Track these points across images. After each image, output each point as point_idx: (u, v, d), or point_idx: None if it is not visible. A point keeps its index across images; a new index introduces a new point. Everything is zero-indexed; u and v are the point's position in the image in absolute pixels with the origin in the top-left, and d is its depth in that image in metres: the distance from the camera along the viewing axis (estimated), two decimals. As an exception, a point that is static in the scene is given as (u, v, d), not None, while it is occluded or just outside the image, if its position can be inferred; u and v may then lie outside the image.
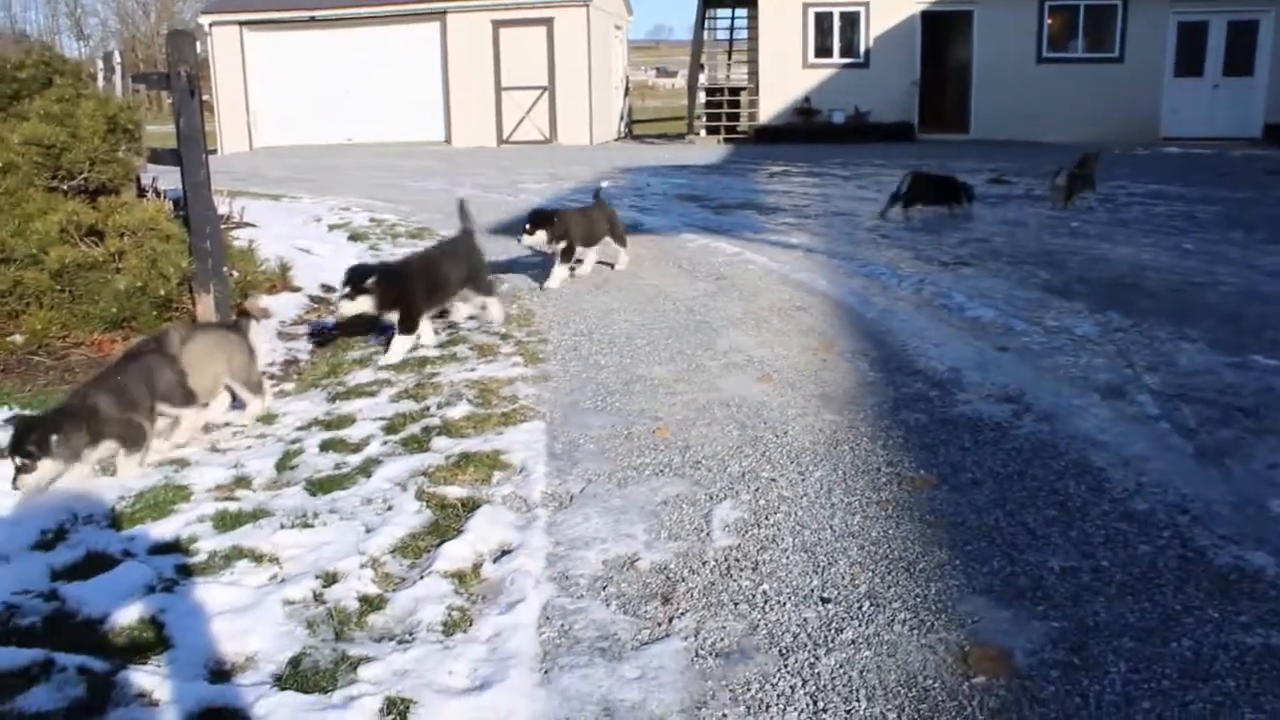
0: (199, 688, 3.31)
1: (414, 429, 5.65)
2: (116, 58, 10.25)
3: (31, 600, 3.87)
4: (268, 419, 5.99)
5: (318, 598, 3.87)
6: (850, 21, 27.14)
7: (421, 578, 4.02)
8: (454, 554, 4.18)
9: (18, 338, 6.95)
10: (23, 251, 7.09)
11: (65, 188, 7.86)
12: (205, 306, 6.88)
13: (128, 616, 3.71)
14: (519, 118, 28.52)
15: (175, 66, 7.33)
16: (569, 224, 9.37)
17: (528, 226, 9.06)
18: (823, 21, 27.17)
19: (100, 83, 9.38)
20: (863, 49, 27.26)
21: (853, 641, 3.52)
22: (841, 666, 3.38)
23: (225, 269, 7.64)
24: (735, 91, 29.24)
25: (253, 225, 11.39)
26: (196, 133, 8.85)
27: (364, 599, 3.87)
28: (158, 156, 8.79)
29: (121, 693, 3.29)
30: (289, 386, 6.72)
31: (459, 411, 5.90)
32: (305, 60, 29.01)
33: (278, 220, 12.56)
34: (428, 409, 5.98)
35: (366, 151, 25.53)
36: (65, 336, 7.06)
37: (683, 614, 3.75)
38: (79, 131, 7.91)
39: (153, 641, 3.58)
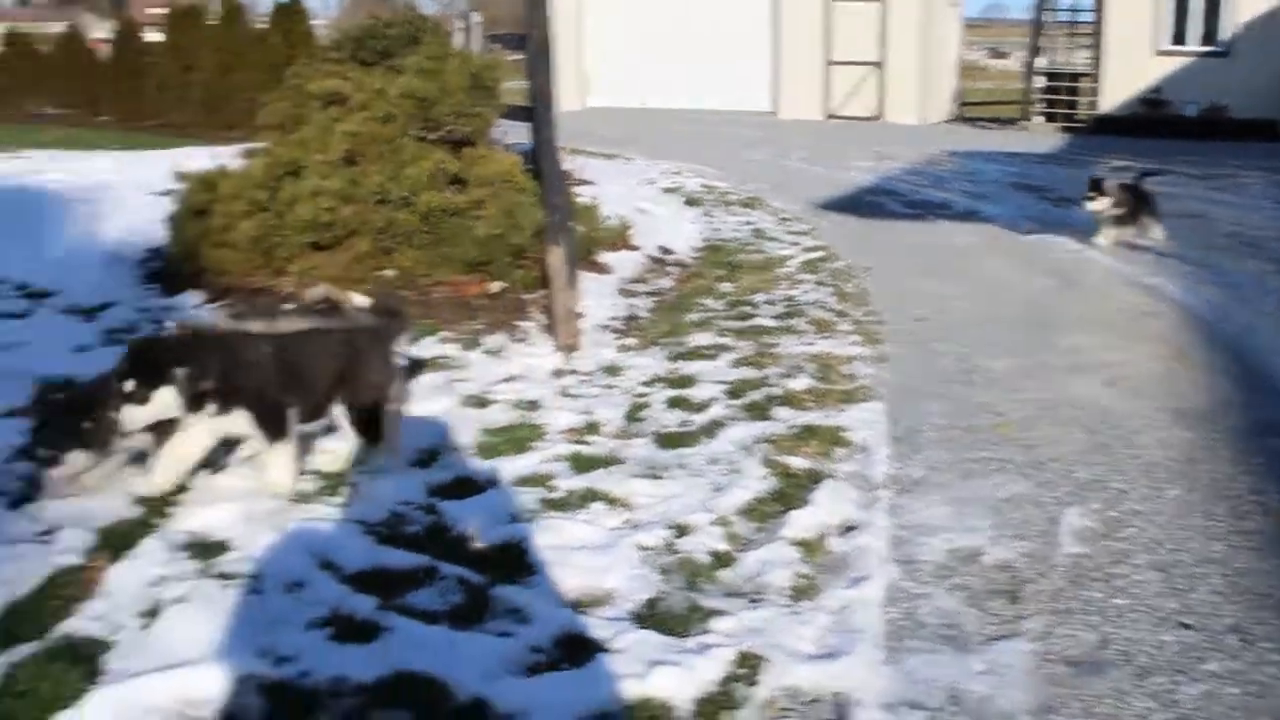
0: (562, 614, 3.62)
1: (755, 396, 5.84)
2: (476, 17, 10.97)
3: (414, 511, 4.34)
4: (612, 370, 6.35)
5: (669, 547, 4.11)
6: (1212, 5, 25.13)
7: (769, 541, 4.20)
8: (800, 523, 4.34)
9: (389, 272, 7.68)
10: (396, 194, 7.80)
11: (432, 138, 8.57)
12: (556, 258, 7.34)
13: (497, 538, 4.09)
14: (847, 93, 28.35)
15: (530, 28, 7.83)
16: (1125, 195, 10.26)
17: (1090, 194, 10.31)
18: (1180, 4, 25.30)
19: (456, 39, 10.07)
20: (1225, 35, 25.20)
21: (1217, 674, 3.40)
22: (1205, 699, 3.27)
23: (571, 223, 8.11)
24: (1075, 78, 27.76)
25: (591, 183, 11.98)
26: (548, 92, 9.45)
27: (714, 554, 4.08)
28: (509, 112, 9.45)
29: (495, 606, 3.64)
30: (631, 342, 7.07)
31: (800, 384, 6.05)
32: (639, 24, 29.91)
33: (613, 180, 13.14)
34: (768, 378, 6.16)
35: (694, 117, 26.09)
36: (428, 275, 7.73)
37: (1030, 615, 3.74)
38: (447, 86, 8.60)
39: (519, 565, 3.93)
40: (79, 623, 3.46)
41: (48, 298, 7.92)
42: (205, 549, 3.96)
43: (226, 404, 4.25)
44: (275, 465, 4.40)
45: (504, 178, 8.13)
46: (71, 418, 4.22)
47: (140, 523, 4.14)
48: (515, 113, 9.42)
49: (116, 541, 4.00)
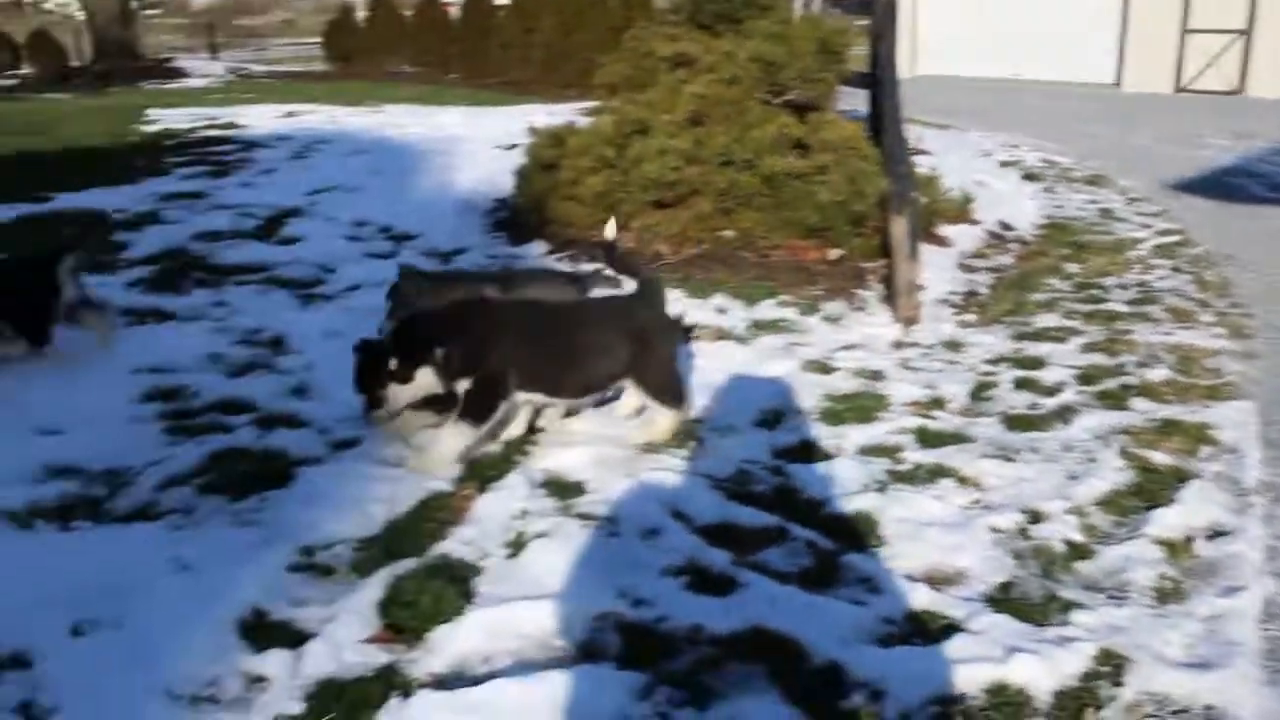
0: (913, 588, 3.54)
1: (1110, 384, 5.52)
2: (817, -20, 10.86)
3: (760, 471, 4.37)
4: (953, 346, 6.17)
5: (1023, 532, 3.95)
6: None
7: (1130, 538, 3.96)
8: (1164, 522, 4.07)
9: (729, 233, 7.76)
10: (740, 157, 7.85)
11: (776, 102, 8.55)
12: (899, 228, 7.18)
13: (846, 506, 4.06)
14: (1203, 64, 26.22)
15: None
16: None
17: None
18: None
19: (796, 4, 9.98)
20: None
21: None
22: None
23: (915, 194, 7.92)
24: None
25: (928, 153, 11.65)
26: (892, 58, 9.23)
27: (1070, 544, 3.89)
28: (851, 79, 9.30)
29: (845, 573, 3.62)
30: (971, 318, 6.84)
31: (1158, 375, 5.66)
32: (976, -11, 28.80)
33: (949, 150, 12.74)
34: (1122, 366, 5.81)
35: (1030, 89, 24.90)
36: (767, 238, 7.75)
37: None
38: (795, 50, 8.54)
39: (869, 534, 3.89)
40: (451, 545, 3.70)
41: (409, 240, 8.50)
42: (563, 488, 4.14)
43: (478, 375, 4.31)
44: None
45: (848, 144, 8.01)
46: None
47: (503, 458, 4.38)
48: (854, 79, 9.30)
49: (481, 474, 4.25)
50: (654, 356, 4.54)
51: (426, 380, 4.28)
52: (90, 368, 5.64)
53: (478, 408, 4.25)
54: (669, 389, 4.60)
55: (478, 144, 13.36)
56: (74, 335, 6.16)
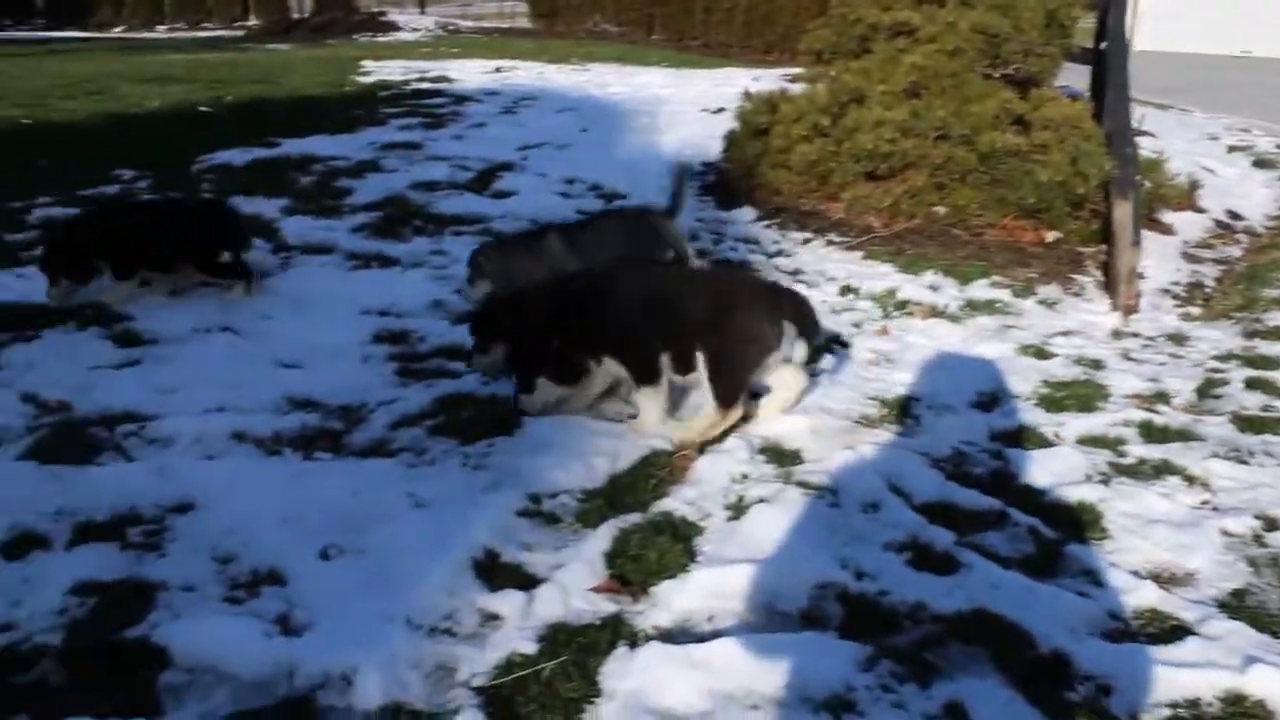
0: (1139, 585, 3.45)
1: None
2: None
3: (978, 453, 4.33)
4: (1176, 339, 5.94)
5: (1258, 539, 3.80)
6: None
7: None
8: None
9: (941, 209, 7.62)
10: (957, 131, 7.69)
11: (996, 76, 8.33)
12: (1122, 213, 6.93)
13: (1067, 495, 3.98)
14: None
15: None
16: None
17: None
18: None
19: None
20: None
21: None
22: None
23: (1139, 177, 7.62)
24: None
25: (1150, 134, 11.16)
26: (1122, 31, 8.85)
27: (1311, 556, 3.73)
28: (1075, 54, 8.97)
29: (1067, 564, 3.56)
30: (1195, 311, 6.58)
31: None
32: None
33: (1172, 132, 12.16)
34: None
35: (1261, 67, 23.50)
36: (980, 215, 7.58)
37: None
38: (1020, 23, 8.29)
39: (1092, 526, 3.80)
40: (674, 503, 3.79)
41: (618, 199, 8.63)
42: (781, 455, 4.18)
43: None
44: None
45: (1071, 122, 7.75)
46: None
47: (720, 421, 4.45)
48: (1076, 54, 8.97)
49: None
50: (727, 344, 4.31)
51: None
52: (322, 307, 5.97)
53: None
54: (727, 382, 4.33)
55: (682, 106, 13.43)
56: (306, 273, 6.54)
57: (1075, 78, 9.56)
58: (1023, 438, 4.48)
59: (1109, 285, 6.72)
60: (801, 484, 3.89)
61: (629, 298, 4.37)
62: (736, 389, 4.29)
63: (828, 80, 8.58)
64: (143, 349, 5.34)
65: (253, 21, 33.90)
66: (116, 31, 33.41)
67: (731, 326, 4.25)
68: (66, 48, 25.53)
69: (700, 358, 4.26)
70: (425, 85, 15.85)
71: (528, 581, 3.33)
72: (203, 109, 13.62)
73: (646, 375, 4.34)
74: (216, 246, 5.93)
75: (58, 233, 6.07)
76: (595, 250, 5.47)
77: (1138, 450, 4.42)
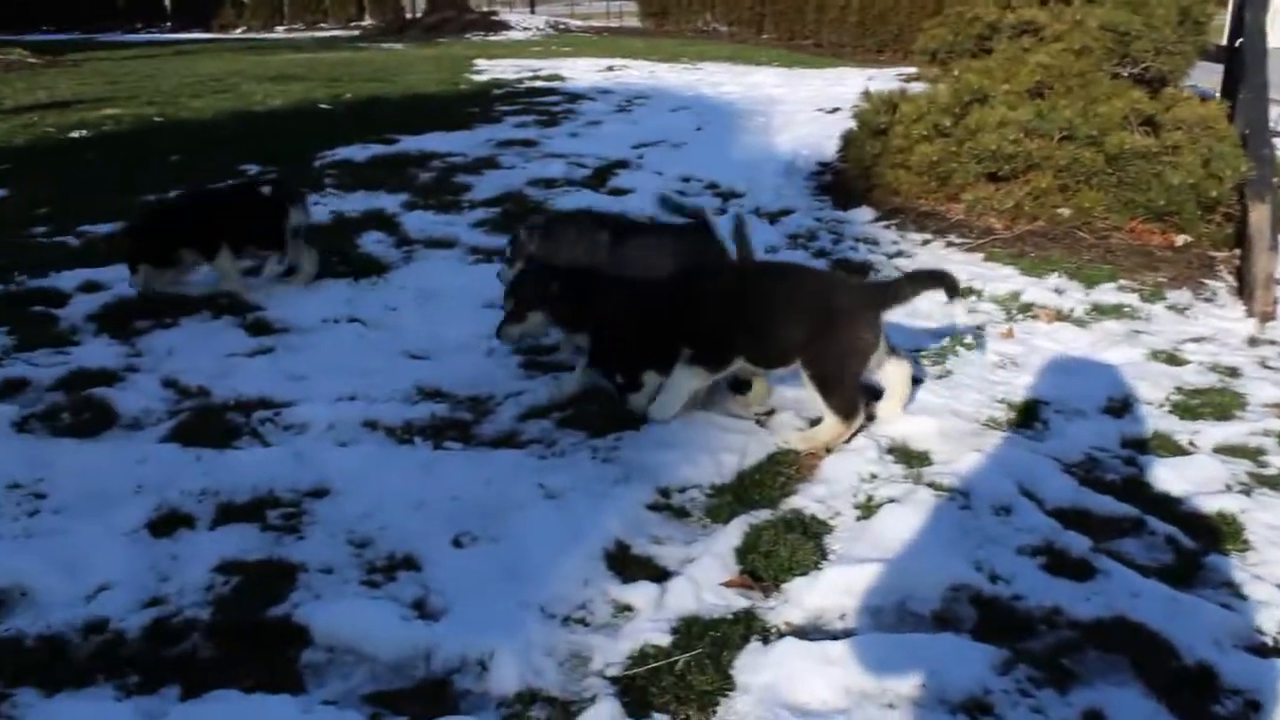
0: (1281, 597, 3.35)
1: None
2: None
3: (1110, 459, 4.24)
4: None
5: None
6: None
7: None
8: None
9: (1064, 211, 7.46)
10: (1083, 132, 7.51)
11: (1126, 75, 8.14)
12: (1259, 216, 6.71)
13: (1206, 505, 3.87)
14: None
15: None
16: None
17: None
18: None
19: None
20: None
21: None
22: None
23: (1276, 179, 7.36)
24: None
25: (1282, 137, 10.77)
26: (1263, 28, 8.56)
27: None
28: (1205, 52, 8.69)
29: (1208, 575, 3.46)
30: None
31: None
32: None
33: (1306, 136, 11.73)
34: None
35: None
36: (1106, 218, 7.41)
37: None
38: (1151, 20, 8.08)
39: (1233, 537, 3.70)
40: (803, 501, 3.79)
41: (735, 198, 8.63)
42: (909, 456, 4.15)
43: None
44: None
45: (1205, 123, 7.52)
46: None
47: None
48: (1211, 52, 8.71)
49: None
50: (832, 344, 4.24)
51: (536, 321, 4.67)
52: (446, 300, 6.09)
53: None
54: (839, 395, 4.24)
55: (795, 105, 13.37)
56: (428, 267, 6.66)
57: (1203, 76, 9.31)
58: (1156, 445, 4.37)
59: (1243, 291, 6.51)
60: (932, 485, 3.85)
61: (773, 295, 4.34)
62: (852, 399, 4.24)
63: (949, 80, 8.46)
64: (274, 337, 5.51)
65: (368, 21, 34.60)
66: (238, 32, 34.40)
67: (834, 340, 4.22)
68: (192, 48, 26.38)
69: (805, 376, 4.23)
70: (539, 84, 16.03)
71: (659, 574, 3.36)
72: (322, 106, 13.96)
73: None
74: (277, 228, 6.11)
75: (136, 222, 6.29)
76: (641, 261, 5.22)
77: (1277, 460, 4.28)
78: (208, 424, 4.45)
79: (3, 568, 3.38)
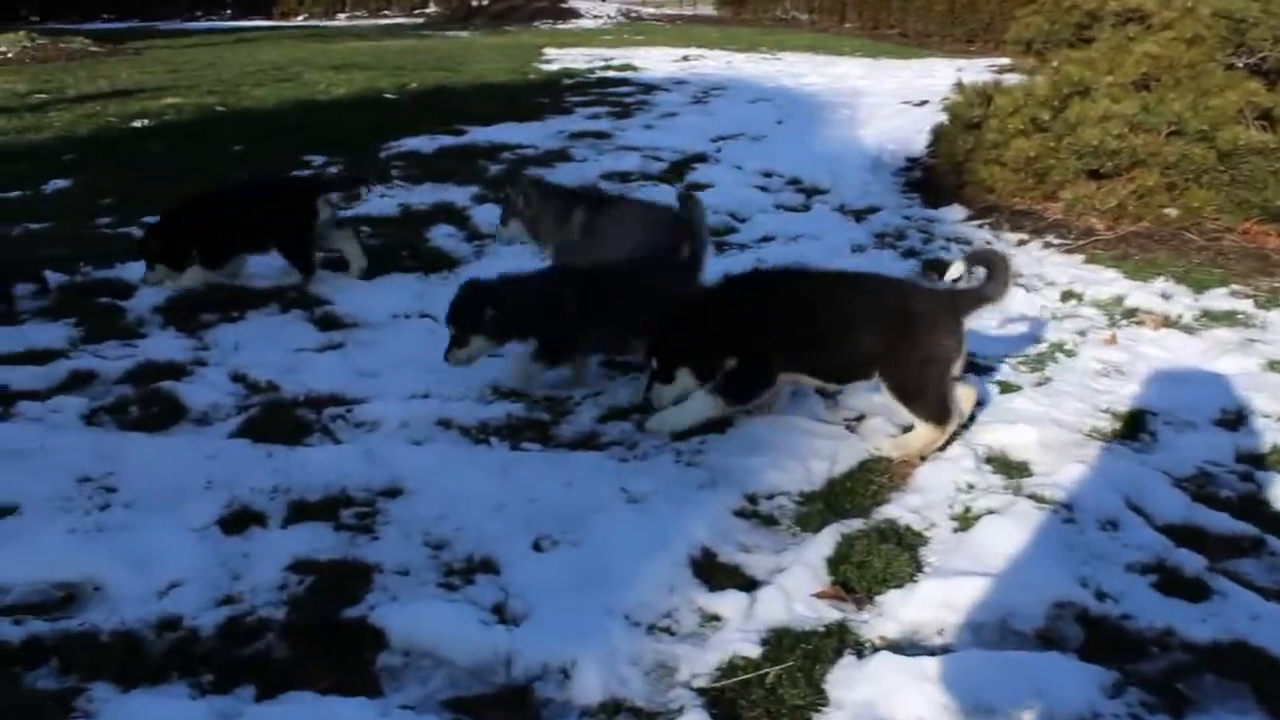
0: None
1: None
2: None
3: (1225, 474, 4.17)
4: None
5: None
6: None
7: None
8: None
9: (1171, 211, 7.36)
10: (1194, 127, 7.40)
11: (1241, 65, 7.99)
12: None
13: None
14: None
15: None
16: None
17: None
18: None
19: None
20: None
21: None
22: None
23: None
24: None
25: None
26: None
27: None
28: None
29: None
30: None
31: None
32: None
33: None
34: None
35: None
36: (1216, 219, 7.29)
37: None
38: (1270, 5, 7.93)
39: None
40: (897, 511, 3.79)
41: (819, 195, 8.62)
42: (1008, 466, 4.13)
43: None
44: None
45: (1328, 119, 7.38)
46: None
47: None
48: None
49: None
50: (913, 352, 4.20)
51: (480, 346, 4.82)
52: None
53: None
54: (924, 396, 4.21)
55: (880, 98, 13.32)
56: (501, 262, 6.73)
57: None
58: (1275, 460, 4.30)
59: (1368, 298, 6.38)
60: (1033, 497, 3.83)
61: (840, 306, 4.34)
62: (939, 405, 4.20)
63: (1047, 71, 8.38)
64: (344, 332, 5.62)
65: (432, 8, 35.03)
66: (299, 20, 34.99)
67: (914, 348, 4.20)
68: (253, 36, 26.88)
69: (885, 388, 4.23)
70: (610, 73, 16.13)
71: (747, 583, 3.38)
72: (387, 96, 14.17)
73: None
74: (299, 231, 6.23)
75: (161, 221, 6.43)
76: (614, 237, 5.53)
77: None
78: (278, 420, 4.55)
79: (75, 562, 3.47)
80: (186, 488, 3.95)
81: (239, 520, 3.75)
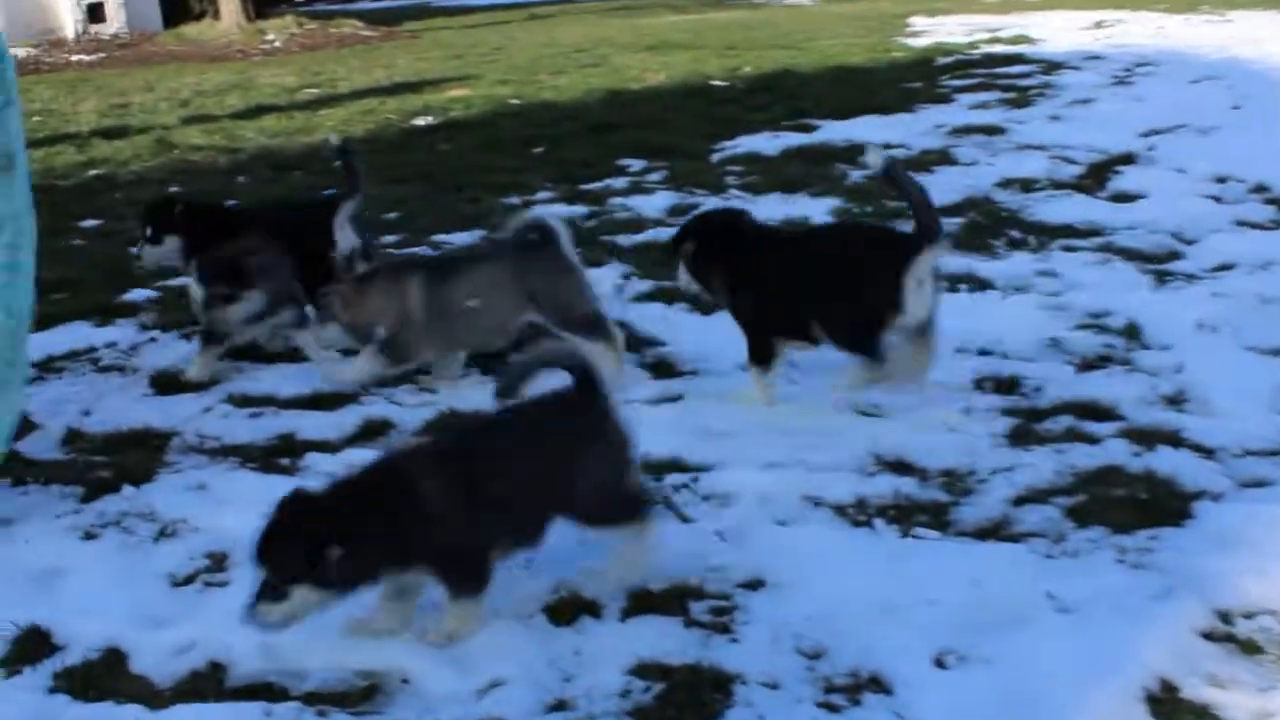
0: None
1: None
2: None
3: None
4: None
5: None
6: None
7: None
8: None
9: None
10: None
11: None
12: None
13: None
14: None
15: None
16: None
17: None
18: None
19: None
20: None
21: None
22: None
23: None
24: None
25: None
26: None
27: None
28: None
29: None
30: None
31: None
32: None
33: None
34: None
35: None
36: None
37: None
38: None
39: None
40: None
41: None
42: None
43: None
44: None
45: None
46: None
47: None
48: None
49: None
50: None
51: None
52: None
53: None
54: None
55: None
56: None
57: None
58: None
59: None
60: None
61: None
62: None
63: None
64: (683, 381, 5.79)
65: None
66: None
67: None
68: (547, 11, 28.22)
69: None
70: (999, 48, 16.03)
71: (1222, 729, 3.29)
72: (715, 83, 14.56)
73: None
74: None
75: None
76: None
77: None
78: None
79: (378, 647, 3.75)
80: (502, 567, 4.17)
81: (568, 609, 3.94)
